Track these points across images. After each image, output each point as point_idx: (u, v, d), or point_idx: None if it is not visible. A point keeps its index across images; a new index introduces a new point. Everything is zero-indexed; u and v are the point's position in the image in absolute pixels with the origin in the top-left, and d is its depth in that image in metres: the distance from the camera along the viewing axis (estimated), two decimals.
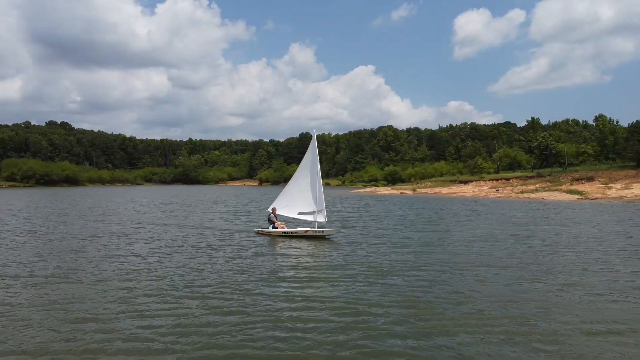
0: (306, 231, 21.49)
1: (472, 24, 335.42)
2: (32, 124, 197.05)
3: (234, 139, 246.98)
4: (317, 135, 24.57)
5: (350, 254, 16.90)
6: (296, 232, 21.83)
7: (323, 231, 21.39)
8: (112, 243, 19.49)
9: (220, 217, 32.76)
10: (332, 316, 9.24)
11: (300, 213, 22.77)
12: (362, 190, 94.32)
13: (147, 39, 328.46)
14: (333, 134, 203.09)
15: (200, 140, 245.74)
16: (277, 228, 22.44)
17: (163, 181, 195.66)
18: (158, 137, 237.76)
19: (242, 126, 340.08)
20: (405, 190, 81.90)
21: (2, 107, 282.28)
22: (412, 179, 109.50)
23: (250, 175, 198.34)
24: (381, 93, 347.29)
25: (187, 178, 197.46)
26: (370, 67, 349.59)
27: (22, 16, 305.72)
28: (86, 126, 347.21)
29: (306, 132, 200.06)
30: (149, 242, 19.92)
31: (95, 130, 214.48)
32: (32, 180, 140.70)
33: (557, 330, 8.43)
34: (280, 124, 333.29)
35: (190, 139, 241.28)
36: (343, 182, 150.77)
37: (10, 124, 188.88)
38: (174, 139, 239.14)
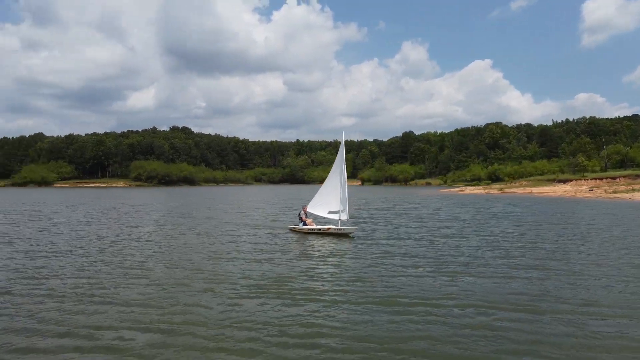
0: (328, 228, 22.36)
1: (603, 9, 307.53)
2: (157, 129, 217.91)
3: (350, 139, 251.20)
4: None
5: (357, 249, 17.60)
6: (320, 229, 22.78)
7: (344, 229, 22.11)
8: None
9: (283, 214, 34.52)
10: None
11: (330, 212, 23.61)
12: (451, 189, 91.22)
13: (264, 46, 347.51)
14: (439, 132, 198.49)
15: (309, 141, 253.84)
16: (307, 225, 23.56)
17: (271, 181, 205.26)
18: (275, 139, 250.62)
19: (354, 126, 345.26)
20: (493, 189, 77.96)
21: (139, 114, 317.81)
22: (507, 179, 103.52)
23: (353, 175, 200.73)
24: (499, 88, 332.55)
25: (293, 178, 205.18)
26: (487, 62, 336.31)
27: (157, 31, 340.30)
28: (210, 130, 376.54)
29: (410, 131, 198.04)
30: (197, 236, 22.15)
31: (219, 133, 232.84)
32: (155, 180, 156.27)
33: None
34: (392, 123, 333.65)
35: (298, 140, 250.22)
36: (445, 182, 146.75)
37: (140, 129, 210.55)
38: (283, 141, 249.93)
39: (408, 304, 9.99)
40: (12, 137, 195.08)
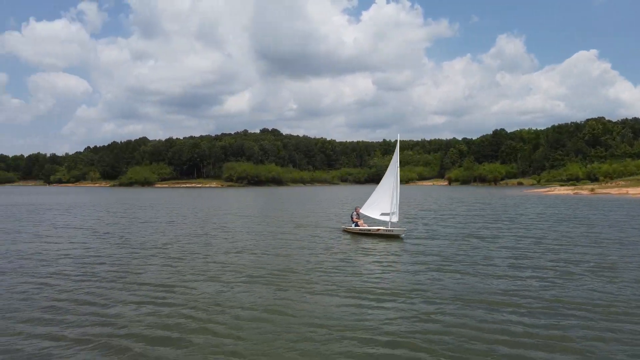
0: (378, 229, 22.70)
1: None
2: (249, 131, 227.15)
3: (438, 138, 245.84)
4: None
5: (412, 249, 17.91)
6: (370, 230, 23.18)
7: (392, 230, 22.33)
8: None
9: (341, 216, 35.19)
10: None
11: (382, 214, 23.87)
12: (538, 190, 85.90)
13: (353, 46, 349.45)
14: (533, 129, 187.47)
15: (395, 140, 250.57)
16: (359, 226, 24.05)
17: (357, 181, 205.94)
18: (365, 139, 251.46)
19: (446, 125, 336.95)
20: (584, 190, 72.29)
21: (235, 117, 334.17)
22: (603, 178, 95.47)
23: (441, 175, 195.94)
24: (607, 80, 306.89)
25: (379, 178, 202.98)
26: (593, 52, 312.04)
27: (250, 37, 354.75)
28: (301, 131, 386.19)
29: (501, 129, 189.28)
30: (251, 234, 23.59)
31: (309, 134, 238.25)
32: (245, 180, 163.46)
33: None
34: (486, 121, 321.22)
35: (384, 140, 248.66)
36: (538, 181, 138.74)
37: (233, 132, 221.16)
38: (371, 141, 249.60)
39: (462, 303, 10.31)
40: (121, 142, 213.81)
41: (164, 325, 9.23)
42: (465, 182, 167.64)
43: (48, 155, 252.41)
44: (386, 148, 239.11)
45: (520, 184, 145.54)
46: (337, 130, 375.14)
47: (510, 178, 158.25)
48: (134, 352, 7.97)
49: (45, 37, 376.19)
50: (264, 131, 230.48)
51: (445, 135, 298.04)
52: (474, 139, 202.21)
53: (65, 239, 22.05)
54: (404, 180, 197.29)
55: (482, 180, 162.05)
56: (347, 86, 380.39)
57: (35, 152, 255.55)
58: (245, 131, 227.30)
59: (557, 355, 7.71)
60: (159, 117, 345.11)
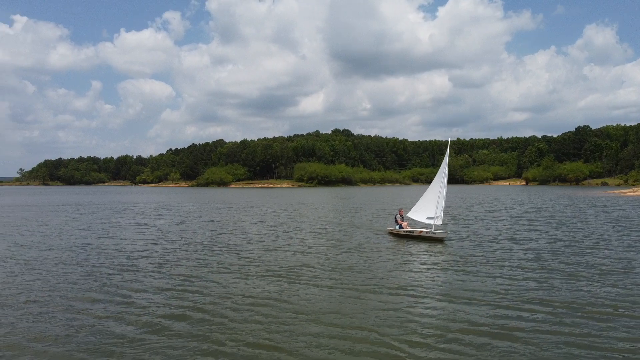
0: (420, 232, 22.76)
1: None
2: (320, 132, 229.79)
3: (516, 136, 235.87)
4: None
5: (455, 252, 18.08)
6: (413, 232, 23.27)
7: (435, 233, 22.28)
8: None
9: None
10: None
11: (428, 218, 23.72)
12: (619, 191, 79.61)
13: (429, 43, 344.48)
14: (622, 125, 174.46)
15: (471, 139, 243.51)
16: (402, 227, 24.20)
17: (429, 181, 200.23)
18: (440, 138, 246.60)
19: (527, 122, 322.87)
20: None
21: (309, 118, 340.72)
22: None
23: (518, 175, 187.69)
24: None
25: (452, 178, 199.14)
26: None
27: (324, 38, 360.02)
28: (375, 131, 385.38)
29: (585, 125, 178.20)
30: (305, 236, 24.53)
31: (382, 134, 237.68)
32: (315, 181, 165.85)
33: None
34: (572, 117, 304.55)
35: (458, 138, 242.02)
36: (625, 182, 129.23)
37: (304, 133, 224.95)
38: (443, 140, 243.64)
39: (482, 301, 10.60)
40: (199, 144, 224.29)
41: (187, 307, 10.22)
42: (544, 182, 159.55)
43: (134, 157, 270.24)
44: (460, 147, 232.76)
45: (604, 184, 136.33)
46: (411, 129, 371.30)
47: (594, 178, 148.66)
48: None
49: (134, 46, 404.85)
50: (336, 132, 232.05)
51: (527, 133, 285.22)
52: (555, 136, 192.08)
53: (155, 234, 24.12)
54: (478, 181, 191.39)
55: (562, 180, 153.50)
56: (422, 84, 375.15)
57: (123, 154, 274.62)
58: (317, 132, 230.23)
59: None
60: (237, 119, 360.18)
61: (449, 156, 24.42)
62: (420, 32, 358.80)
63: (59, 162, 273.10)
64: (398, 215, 24.86)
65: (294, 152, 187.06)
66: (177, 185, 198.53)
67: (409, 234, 23.45)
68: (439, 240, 21.82)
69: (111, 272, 15.07)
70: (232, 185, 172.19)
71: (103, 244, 21.23)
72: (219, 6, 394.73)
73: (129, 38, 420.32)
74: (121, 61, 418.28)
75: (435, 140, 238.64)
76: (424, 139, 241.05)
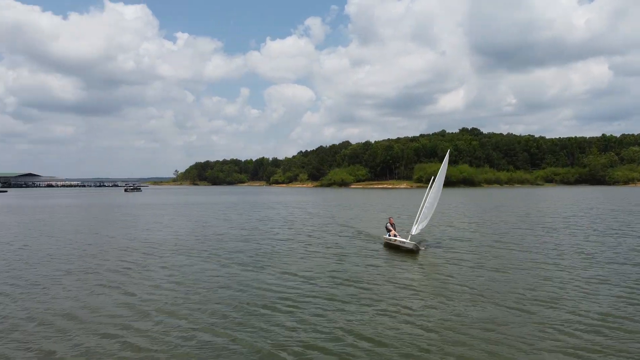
0: (395, 241, 22.02)
1: None
2: (446, 132, 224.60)
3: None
4: None
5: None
6: (390, 240, 22.53)
7: (404, 243, 21.33)
8: None
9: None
10: None
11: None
12: None
13: (585, 29, 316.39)
14: None
15: (622, 135, 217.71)
16: (391, 237, 22.97)
17: (565, 182, 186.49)
18: (597, 134, 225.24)
19: None
20: None
21: (448, 115, 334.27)
22: None
23: None
24: None
25: (592, 178, 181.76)
26: None
27: (465, 32, 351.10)
28: (521, 128, 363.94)
29: None
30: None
31: (531, 132, 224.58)
32: None
33: None
34: None
35: (604, 135, 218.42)
36: None
37: (425, 133, 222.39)
38: (585, 136, 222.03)
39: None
40: (326, 146, 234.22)
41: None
42: None
43: (270, 159, 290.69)
44: (605, 144, 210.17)
45: None
46: (562, 124, 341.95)
47: None
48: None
49: (279, 53, 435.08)
50: (463, 130, 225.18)
51: None
52: None
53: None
54: (622, 181, 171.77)
55: None
56: (576, 74, 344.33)
57: (268, 156, 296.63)
58: (443, 131, 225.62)
59: None
60: (374, 120, 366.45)
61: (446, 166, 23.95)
62: (575, 18, 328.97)
63: (206, 164, 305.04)
64: (388, 224, 23.91)
65: (415, 153, 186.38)
66: (304, 185, 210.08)
67: (391, 243, 22.44)
68: (411, 252, 20.54)
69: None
70: (353, 186, 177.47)
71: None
72: (358, 9, 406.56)
73: (274, 46, 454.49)
74: (267, 68, 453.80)
75: (574, 137, 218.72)
76: (569, 136, 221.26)
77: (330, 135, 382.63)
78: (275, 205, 60.11)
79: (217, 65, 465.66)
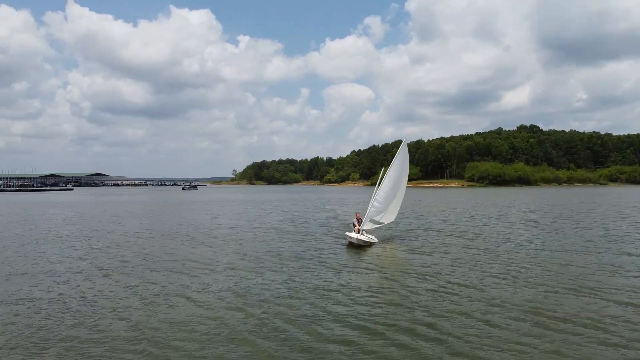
0: (350, 237, 21.09)
1: None
2: (503, 129, 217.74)
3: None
4: None
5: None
6: (347, 236, 21.67)
7: (351, 238, 20.80)
8: None
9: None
10: None
11: (372, 220, 22.19)
12: None
13: None
14: None
15: None
16: (355, 233, 21.50)
17: (631, 180, 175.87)
18: None
19: None
20: None
21: (513, 112, 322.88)
22: None
23: None
24: None
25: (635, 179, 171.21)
26: None
27: (531, 26, 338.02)
28: (592, 124, 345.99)
29: None
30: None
31: (601, 129, 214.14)
32: (486, 180, 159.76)
33: None
34: None
35: None
36: None
37: (481, 131, 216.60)
38: None
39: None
40: (378, 145, 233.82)
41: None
42: None
43: (325, 158, 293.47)
44: None
45: None
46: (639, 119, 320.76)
47: None
48: None
49: (338, 53, 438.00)
50: (522, 128, 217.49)
51: None
52: None
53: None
54: None
55: None
56: None
57: (328, 156, 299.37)
58: (500, 129, 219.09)
59: None
60: (434, 118, 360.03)
61: (404, 157, 22.81)
62: None
63: (263, 164, 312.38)
64: (355, 220, 22.78)
65: (468, 151, 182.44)
66: (355, 184, 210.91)
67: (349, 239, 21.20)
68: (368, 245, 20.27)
69: None
70: None
71: None
72: (419, 5, 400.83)
73: (333, 46, 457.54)
74: (326, 68, 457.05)
75: None
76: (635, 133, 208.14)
77: (389, 135, 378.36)
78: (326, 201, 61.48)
79: (278, 67, 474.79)
